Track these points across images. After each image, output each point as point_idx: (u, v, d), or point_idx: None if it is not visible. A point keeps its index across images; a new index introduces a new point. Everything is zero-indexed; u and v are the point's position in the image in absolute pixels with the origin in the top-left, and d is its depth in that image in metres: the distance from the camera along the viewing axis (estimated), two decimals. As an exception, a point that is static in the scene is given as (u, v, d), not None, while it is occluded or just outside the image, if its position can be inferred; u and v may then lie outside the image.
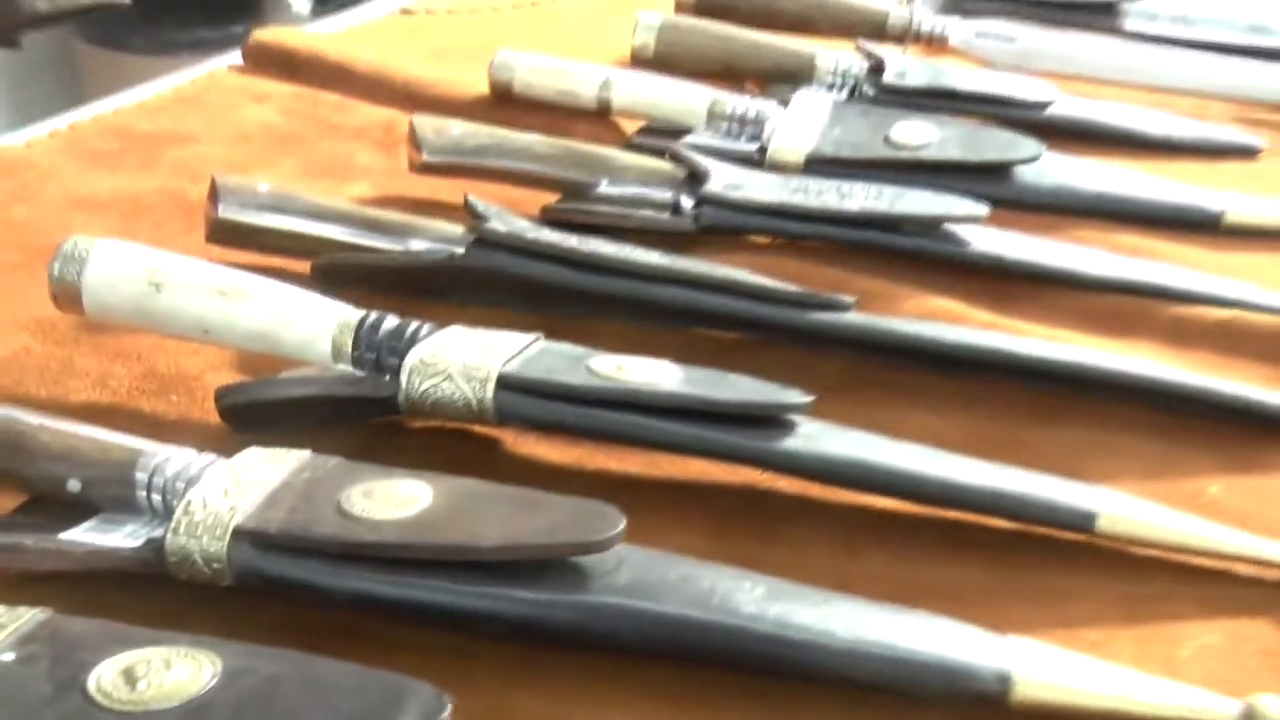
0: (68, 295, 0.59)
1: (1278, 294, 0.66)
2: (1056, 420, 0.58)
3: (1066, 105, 0.84)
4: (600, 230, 0.68)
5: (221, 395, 0.56)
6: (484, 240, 0.63)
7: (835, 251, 0.68)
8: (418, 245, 0.65)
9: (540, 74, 0.84)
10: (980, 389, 0.59)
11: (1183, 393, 0.57)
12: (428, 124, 0.74)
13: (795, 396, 0.51)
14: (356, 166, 0.80)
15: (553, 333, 0.62)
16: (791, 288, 0.60)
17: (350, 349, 0.56)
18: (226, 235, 0.68)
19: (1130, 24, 0.98)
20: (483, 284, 0.63)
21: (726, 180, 0.70)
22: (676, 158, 0.72)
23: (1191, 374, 0.59)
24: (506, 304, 0.63)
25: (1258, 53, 0.96)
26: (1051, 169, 0.76)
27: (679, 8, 0.96)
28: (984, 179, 0.75)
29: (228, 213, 0.67)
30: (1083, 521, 0.49)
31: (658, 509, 0.52)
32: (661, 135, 0.80)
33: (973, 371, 0.59)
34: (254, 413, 0.56)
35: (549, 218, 0.70)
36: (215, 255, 0.67)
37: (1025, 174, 0.75)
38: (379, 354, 0.55)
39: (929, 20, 0.92)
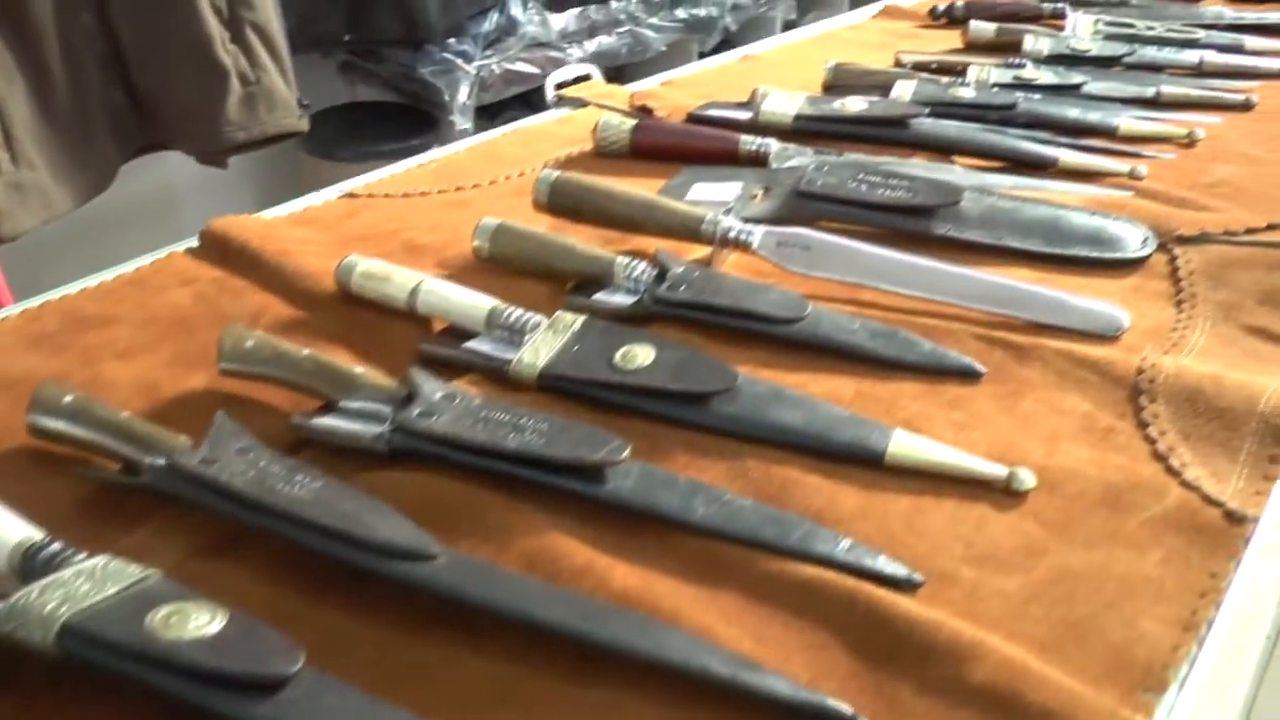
0: None
1: (864, 551, 0.58)
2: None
3: (814, 319, 0.77)
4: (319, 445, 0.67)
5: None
6: (173, 468, 0.62)
7: (500, 482, 0.63)
8: (157, 460, 0.64)
9: (367, 279, 0.82)
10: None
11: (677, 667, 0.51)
12: (230, 335, 0.74)
13: (283, 666, 0.48)
14: (212, 358, 0.79)
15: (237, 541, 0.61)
16: (390, 538, 0.56)
17: (20, 571, 0.56)
18: (38, 436, 0.69)
19: (940, 228, 0.89)
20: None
21: (425, 406, 0.66)
22: (405, 379, 0.69)
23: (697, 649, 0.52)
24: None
25: (1052, 259, 0.85)
26: (745, 397, 0.69)
27: (536, 205, 0.92)
28: (682, 402, 0.69)
29: (34, 419, 0.68)
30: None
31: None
32: (455, 336, 0.78)
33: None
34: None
35: (293, 433, 0.69)
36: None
37: (719, 400, 0.69)
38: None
39: (736, 228, 0.86)
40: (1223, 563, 0.58)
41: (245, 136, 1.90)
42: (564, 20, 2.52)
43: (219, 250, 0.94)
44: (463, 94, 2.36)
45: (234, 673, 0.49)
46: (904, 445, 0.65)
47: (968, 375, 0.73)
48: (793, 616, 0.56)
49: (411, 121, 2.52)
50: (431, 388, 0.68)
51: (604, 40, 2.64)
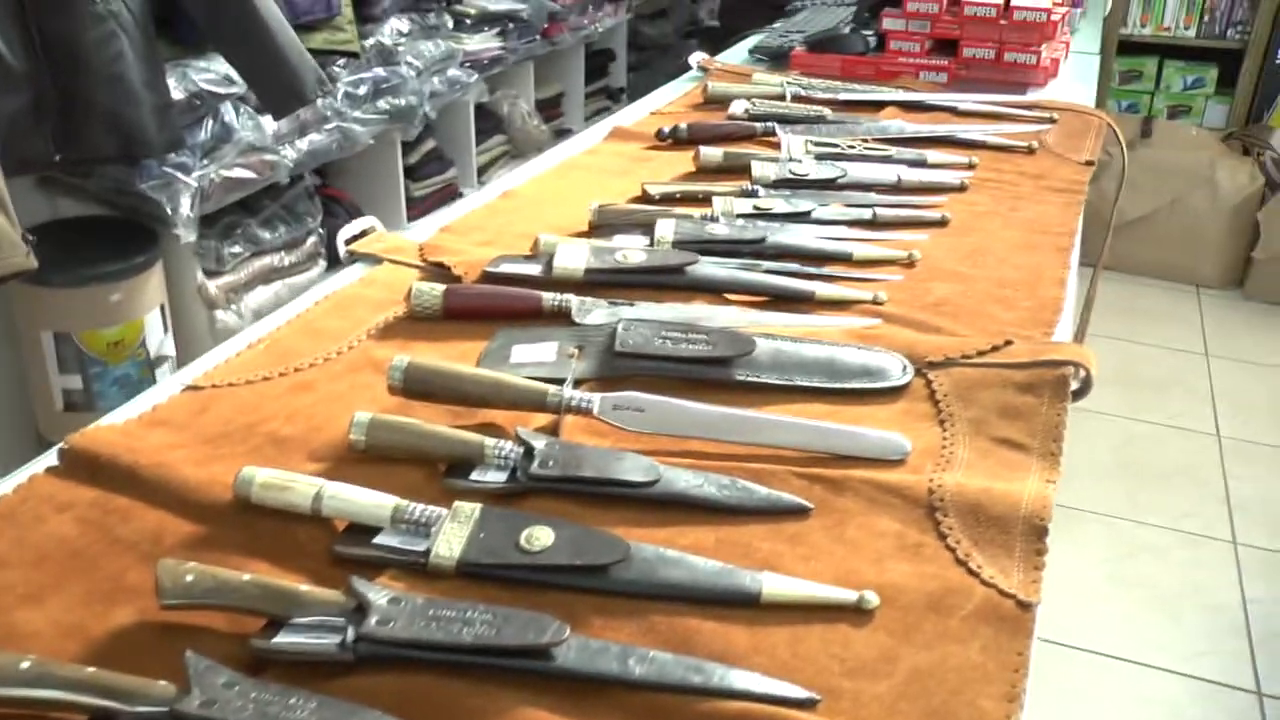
0: None
1: (776, 683, 0.75)
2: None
3: (669, 480, 0.93)
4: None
5: None
6: (177, 716, 0.70)
7: (458, 669, 0.76)
8: (142, 709, 0.72)
9: (268, 489, 0.91)
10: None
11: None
12: (166, 572, 0.81)
13: None
14: (127, 587, 0.85)
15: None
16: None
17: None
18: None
19: (739, 374, 1.08)
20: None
21: (380, 615, 0.78)
22: (350, 590, 0.80)
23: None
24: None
25: (833, 393, 1.06)
26: (636, 562, 0.84)
27: (391, 390, 1.04)
28: (587, 574, 0.84)
29: (-4, 688, 0.74)
30: None
31: None
32: (360, 533, 0.89)
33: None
34: None
35: (252, 653, 0.78)
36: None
37: (617, 568, 0.84)
38: None
39: (578, 397, 1.01)
40: (1023, 641, 0.80)
41: (-25, 283, 1.85)
42: (275, 123, 2.57)
43: (86, 468, 0.99)
44: (184, 205, 2.38)
45: None
46: (774, 586, 0.83)
47: (799, 512, 0.92)
48: (732, 747, 0.72)
49: (124, 236, 2.49)
50: (377, 595, 0.80)
51: (314, 139, 2.71)
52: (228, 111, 2.48)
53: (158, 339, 2.51)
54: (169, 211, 2.40)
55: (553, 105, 4.15)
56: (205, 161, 2.47)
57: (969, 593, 0.84)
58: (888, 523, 0.91)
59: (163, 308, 2.52)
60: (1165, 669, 2.46)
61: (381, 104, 2.89)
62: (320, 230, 2.83)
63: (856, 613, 0.82)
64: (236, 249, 2.66)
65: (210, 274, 2.64)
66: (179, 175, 2.39)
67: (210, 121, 2.47)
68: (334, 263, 2.83)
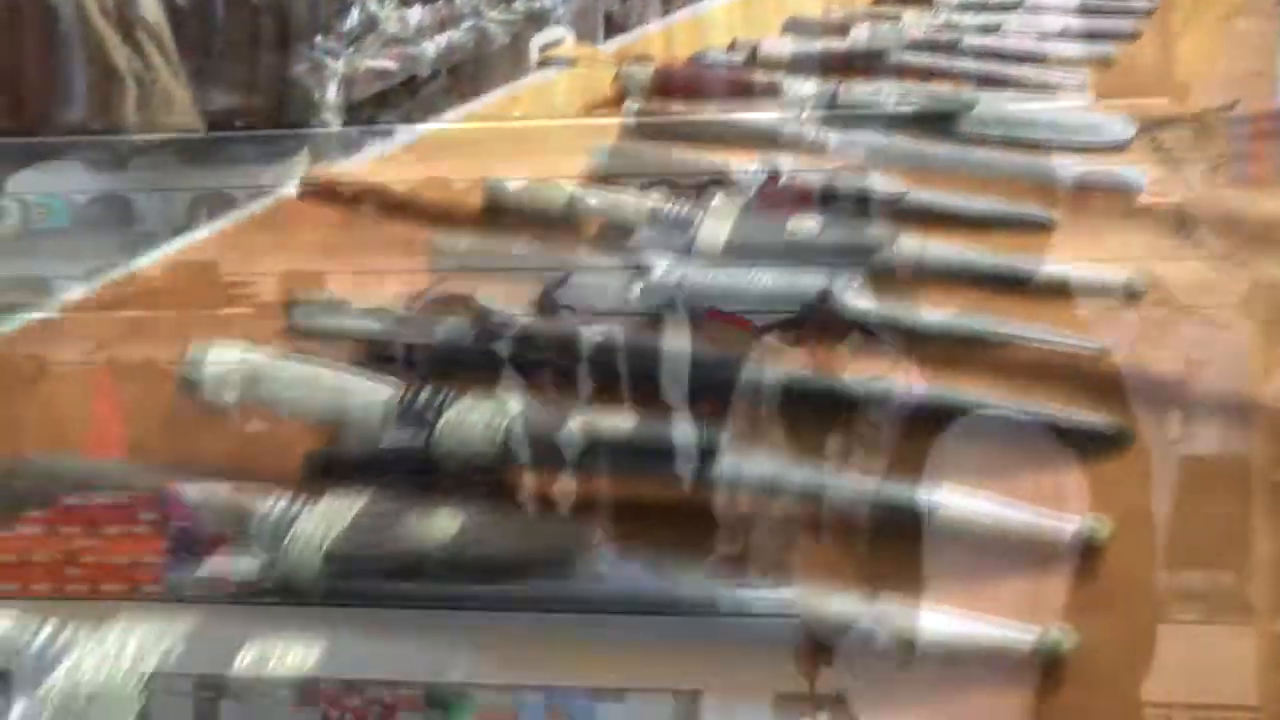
0: (191, 388, 0.67)
1: (1067, 334, 0.75)
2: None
3: (915, 196, 0.93)
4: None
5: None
6: (485, 331, 0.72)
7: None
8: (439, 333, 0.74)
9: (523, 191, 0.92)
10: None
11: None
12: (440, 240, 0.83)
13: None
14: (392, 268, 0.88)
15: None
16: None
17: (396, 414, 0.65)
18: (301, 333, 0.76)
19: (963, 128, 1.07)
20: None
21: (665, 270, 0.79)
22: (629, 253, 0.81)
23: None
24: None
25: (1061, 146, 1.05)
26: (906, 248, 0.84)
27: (624, 131, 1.04)
28: (858, 257, 0.84)
29: (298, 318, 0.76)
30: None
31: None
32: (617, 233, 0.89)
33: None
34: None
35: (542, 302, 0.79)
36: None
37: (890, 252, 0.84)
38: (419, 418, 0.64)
39: (812, 133, 1.01)
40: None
41: (147, 139, 1.90)
42: (417, 16, 2.59)
43: (325, 194, 1.01)
44: (331, 91, 2.40)
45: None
46: (1046, 269, 0.82)
47: (1044, 227, 0.91)
48: (1034, 383, 0.72)
49: (271, 125, 2.53)
50: (660, 259, 0.80)
51: (453, 35, 2.73)
52: (372, 1, 2.51)
53: (302, 224, 2.56)
54: (316, 97, 2.44)
55: (670, 26, 4.16)
56: (351, 50, 2.50)
57: (1237, 282, 0.83)
58: (1137, 234, 0.91)
59: (309, 194, 2.56)
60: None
61: (518, 4, 2.91)
62: (452, 130, 2.86)
63: (1127, 295, 0.82)
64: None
65: (349, 166, 2.68)
66: (328, 60, 2.42)
67: (355, 10, 2.50)
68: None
